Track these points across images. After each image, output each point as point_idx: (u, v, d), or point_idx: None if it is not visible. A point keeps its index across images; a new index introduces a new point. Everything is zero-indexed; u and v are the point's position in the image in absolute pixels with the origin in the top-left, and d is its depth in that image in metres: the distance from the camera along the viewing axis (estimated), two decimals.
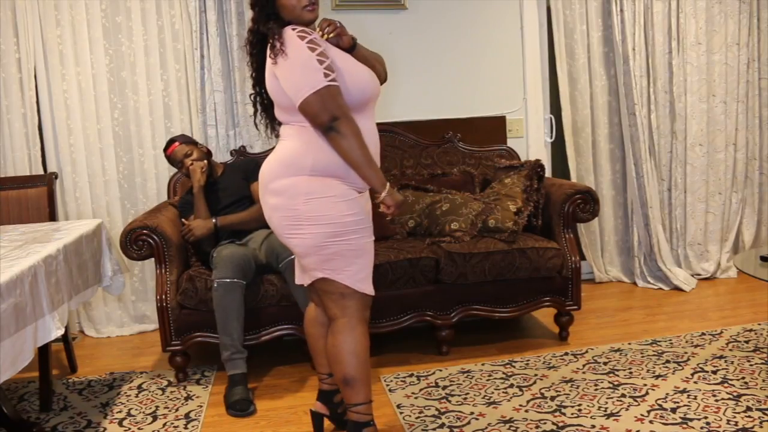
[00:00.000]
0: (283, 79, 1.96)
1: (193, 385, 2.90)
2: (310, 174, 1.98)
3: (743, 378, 2.65)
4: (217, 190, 3.12)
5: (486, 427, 2.37)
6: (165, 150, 3.15)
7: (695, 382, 2.64)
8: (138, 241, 2.87)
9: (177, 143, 3.11)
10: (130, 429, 2.52)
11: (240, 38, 3.48)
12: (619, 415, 2.40)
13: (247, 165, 3.20)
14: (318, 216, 1.98)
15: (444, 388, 2.73)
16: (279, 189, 2.00)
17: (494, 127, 3.88)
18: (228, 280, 2.70)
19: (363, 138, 1.96)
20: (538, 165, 3.29)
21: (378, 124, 2.15)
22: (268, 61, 2.01)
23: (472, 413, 2.49)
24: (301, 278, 2.22)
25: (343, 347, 2.05)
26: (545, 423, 2.38)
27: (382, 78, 2.22)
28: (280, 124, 2.13)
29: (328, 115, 1.92)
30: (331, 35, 2.04)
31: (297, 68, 1.93)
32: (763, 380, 2.61)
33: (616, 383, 2.68)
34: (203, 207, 3.02)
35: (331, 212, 1.98)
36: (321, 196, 1.98)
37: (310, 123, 1.97)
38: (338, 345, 2.06)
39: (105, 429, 2.54)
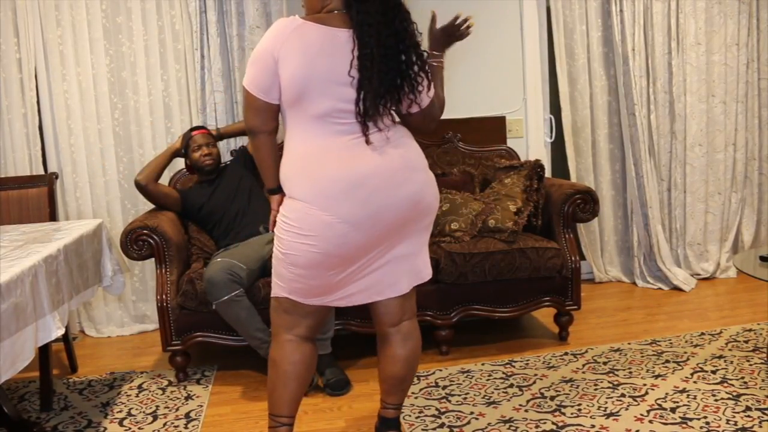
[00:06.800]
0: None
1: (194, 384, 2.90)
2: None
3: (742, 378, 2.65)
4: (221, 182, 3.20)
5: (486, 427, 2.38)
6: (192, 129, 3.25)
7: (695, 382, 2.64)
8: (138, 241, 2.88)
9: (206, 131, 3.24)
10: (130, 429, 2.53)
11: (240, 38, 3.49)
12: (619, 415, 2.41)
13: (241, 151, 3.32)
14: None
15: (444, 388, 2.73)
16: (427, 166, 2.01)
17: (494, 127, 3.88)
18: (225, 298, 2.68)
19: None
20: (538, 165, 3.29)
21: None
22: None
23: (472, 413, 2.49)
24: (400, 283, 1.99)
25: (419, 351, 2.10)
26: (545, 423, 2.39)
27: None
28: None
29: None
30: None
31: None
32: (763, 380, 2.62)
33: (615, 383, 2.68)
34: None
35: None
36: None
37: None
38: (418, 349, 2.09)
39: (105, 429, 2.54)
